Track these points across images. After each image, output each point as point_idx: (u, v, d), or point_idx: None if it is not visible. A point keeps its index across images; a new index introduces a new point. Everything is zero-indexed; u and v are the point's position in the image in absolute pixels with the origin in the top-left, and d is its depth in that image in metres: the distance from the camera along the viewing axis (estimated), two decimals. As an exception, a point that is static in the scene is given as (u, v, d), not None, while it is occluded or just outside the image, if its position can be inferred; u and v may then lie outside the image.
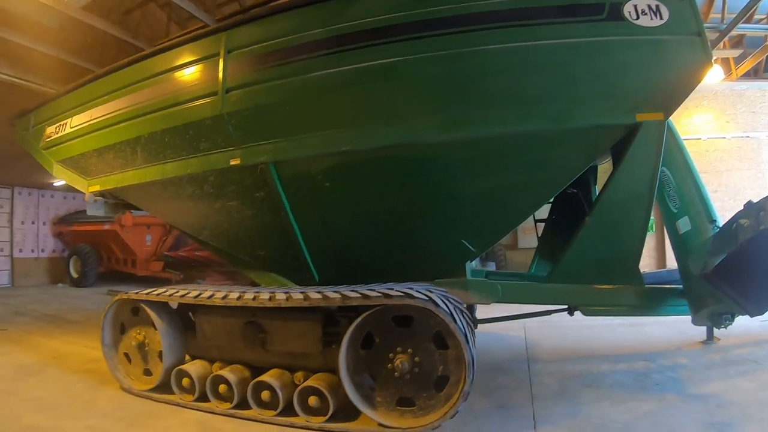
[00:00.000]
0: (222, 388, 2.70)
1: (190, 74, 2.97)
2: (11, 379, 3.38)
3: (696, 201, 2.97)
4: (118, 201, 3.69)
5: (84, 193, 3.70)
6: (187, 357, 3.10)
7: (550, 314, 3.47)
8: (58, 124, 3.57)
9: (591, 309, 2.94)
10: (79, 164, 3.61)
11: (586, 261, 2.77)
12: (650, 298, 2.88)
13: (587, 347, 3.89)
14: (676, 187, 2.95)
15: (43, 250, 11.90)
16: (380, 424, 2.30)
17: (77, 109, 3.45)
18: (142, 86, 3.12)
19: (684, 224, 2.94)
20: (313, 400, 2.45)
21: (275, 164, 2.81)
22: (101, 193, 3.60)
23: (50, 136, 3.64)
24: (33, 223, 11.67)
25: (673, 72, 2.41)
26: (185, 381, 2.84)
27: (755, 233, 2.41)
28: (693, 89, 2.41)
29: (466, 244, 2.94)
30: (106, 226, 9.81)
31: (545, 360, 3.57)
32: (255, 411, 2.57)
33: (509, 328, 4.34)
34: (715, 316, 2.81)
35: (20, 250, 11.39)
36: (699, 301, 2.80)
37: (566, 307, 3.19)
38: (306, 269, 3.20)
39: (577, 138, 2.52)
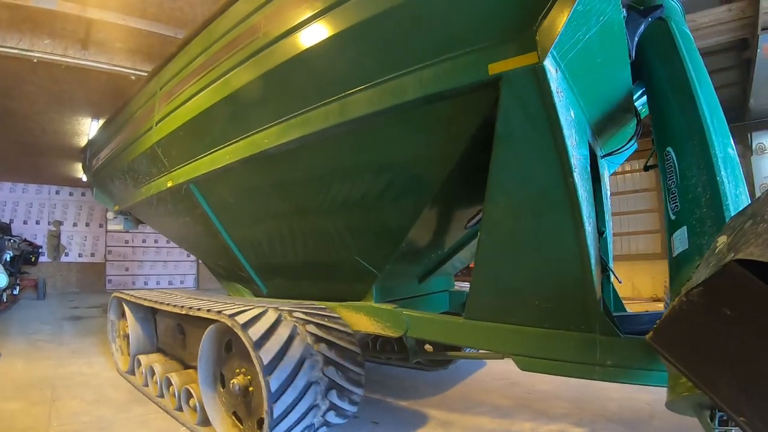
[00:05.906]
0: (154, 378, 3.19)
1: (144, 111, 3.54)
2: (118, 405, 2.91)
3: (703, 197, 1.74)
4: (134, 217, 4.59)
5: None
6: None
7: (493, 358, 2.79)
8: (96, 157, 4.63)
9: (525, 361, 1.89)
10: (105, 189, 4.62)
11: (497, 292, 1.93)
12: (621, 355, 1.68)
13: None
14: (679, 176, 1.83)
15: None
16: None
17: (103, 144, 4.41)
18: (126, 124, 3.84)
19: (679, 240, 1.75)
20: (192, 401, 2.72)
21: (194, 184, 3.14)
22: (121, 212, 4.53)
23: (93, 167, 4.75)
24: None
25: None
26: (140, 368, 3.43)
27: (717, 269, 1.08)
28: None
29: (362, 261, 2.69)
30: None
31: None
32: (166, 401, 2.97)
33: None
34: (698, 407, 1.46)
35: (205, 257, 13.63)
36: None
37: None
38: (252, 282, 3.38)
39: (404, 123, 1.96)
